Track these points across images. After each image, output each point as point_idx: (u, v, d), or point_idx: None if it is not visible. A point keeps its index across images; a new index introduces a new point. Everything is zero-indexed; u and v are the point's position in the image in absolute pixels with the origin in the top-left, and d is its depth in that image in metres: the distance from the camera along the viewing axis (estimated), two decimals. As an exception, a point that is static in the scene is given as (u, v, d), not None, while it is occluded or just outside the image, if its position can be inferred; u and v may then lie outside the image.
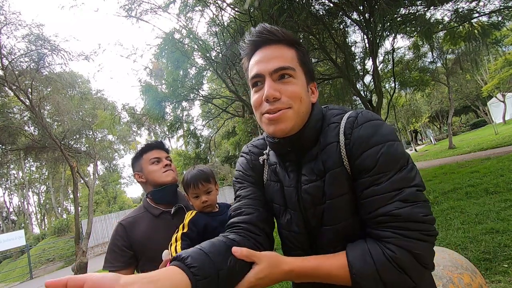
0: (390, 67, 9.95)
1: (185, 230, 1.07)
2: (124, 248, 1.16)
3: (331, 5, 6.99)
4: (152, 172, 1.27)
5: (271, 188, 0.80)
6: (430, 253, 0.59)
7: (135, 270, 1.22)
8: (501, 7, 6.53)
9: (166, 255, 1.04)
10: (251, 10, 5.63)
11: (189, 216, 1.13)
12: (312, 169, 0.71)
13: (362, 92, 9.04)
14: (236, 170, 0.90)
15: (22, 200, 31.83)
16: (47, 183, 31.13)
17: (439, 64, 13.27)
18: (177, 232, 1.07)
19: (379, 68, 8.89)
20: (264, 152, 0.84)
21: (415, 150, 25.93)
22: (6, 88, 8.18)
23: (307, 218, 0.72)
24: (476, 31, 6.68)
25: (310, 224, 0.72)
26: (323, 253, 0.68)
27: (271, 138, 0.73)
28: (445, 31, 7.79)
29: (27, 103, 8.14)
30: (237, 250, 0.62)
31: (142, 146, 1.34)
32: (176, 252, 0.97)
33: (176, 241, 1.04)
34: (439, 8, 6.87)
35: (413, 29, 7.66)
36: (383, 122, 0.67)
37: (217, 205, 1.21)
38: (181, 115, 10.76)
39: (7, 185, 29.81)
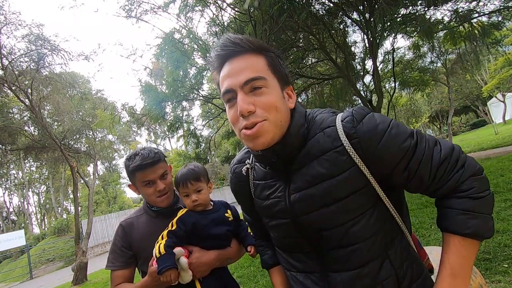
0: (390, 67, 9.95)
1: (173, 228, 1.08)
2: (123, 248, 1.18)
3: (331, 5, 6.99)
4: (146, 195, 1.20)
5: (258, 202, 0.81)
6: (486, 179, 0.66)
7: (135, 269, 1.23)
8: (501, 7, 6.53)
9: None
10: (251, 10, 5.63)
11: (179, 214, 1.14)
12: (303, 176, 0.69)
13: (362, 92, 9.04)
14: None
15: (22, 200, 31.86)
16: (47, 183, 31.14)
17: (439, 64, 13.27)
18: (166, 229, 1.09)
19: (379, 68, 8.89)
20: (247, 162, 0.83)
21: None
22: (6, 88, 8.17)
23: (300, 225, 0.71)
24: (476, 31, 6.68)
25: (306, 230, 0.71)
26: (333, 255, 0.69)
27: (255, 151, 0.72)
28: (445, 31, 7.79)
29: (27, 103, 8.13)
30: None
31: (135, 166, 1.14)
32: (159, 251, 1.00)
33: (162, 238, 1.05)
34: (439, 8, 6.88)
35: (413, 29, 7.66)
36: (372, 111, 0.70)
37: (211, 202, 1.21)
38: (181, 115, 10.74)
39: (7, 185, 29.82)
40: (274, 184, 0.76)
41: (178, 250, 1.04)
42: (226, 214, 1.19)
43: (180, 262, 1.03)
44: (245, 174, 0.82)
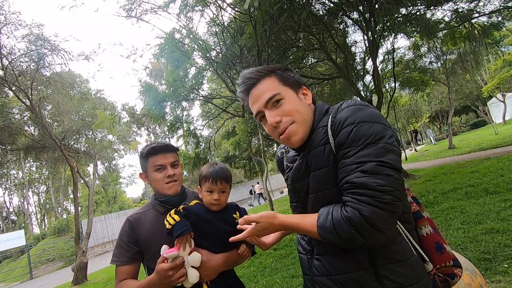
0: (390, 67, 9.95)
1: (178, 208, 1.13)
2: (129, 243, 1.18)
3: (331, 5, 6.99)
4: (155, 181, 1.23)
5: (286, 176, 0.99)
6: (383, 218, 0.66)
7: (140, 265, 1.23)
8: (501, 7, 6.53)
9: (164, 249, 1.05)
10: (251, 10, 5.63)
11: (191, 204, 1.17)
12: (303, 151, 0.86)
13: (362, 92, 9.03)
14: None
15: (22, 200, 31.85)
16: (47, 183, 31.14)
17: (439, 64, 13.28)
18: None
19: (379, 68, 8.89)
20: (281, 146, 1.07)
21: (415, 150, 25.94)
22: (6, 88, 8.17)
23: (297, 190, 0.88)
24: (476, 31, 6.68)
25: (299, 195, 0.88)
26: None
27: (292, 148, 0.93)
28: (445, 31, 7.79)
29: (27, 103, 8.13)
30: (240, 221, 0.84)
31: (149, 148, 1.24)
32: (173, 219, 1.06)
33: (170, 216, 1.10)
34: (439, 8, 6.88)
35: (413, 29, 7.66)
36: (365, 107, 0.76)
37: None
38: (181, 115, 10.75)
39: (7, 185, 29.83)
40: (295, 159, 0.92)
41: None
42: (235, 215, 1.19)
43: (191, 257, 1.03)
44: (280, 156, 1.06)
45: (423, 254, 0.77)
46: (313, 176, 0.81)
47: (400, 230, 0.75)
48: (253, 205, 17.61)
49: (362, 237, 0.67)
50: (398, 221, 0.74)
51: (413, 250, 0.75)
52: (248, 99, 0.89)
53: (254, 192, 19.82)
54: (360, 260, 0.74)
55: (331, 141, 0.76)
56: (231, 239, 0.86)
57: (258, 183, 21.18)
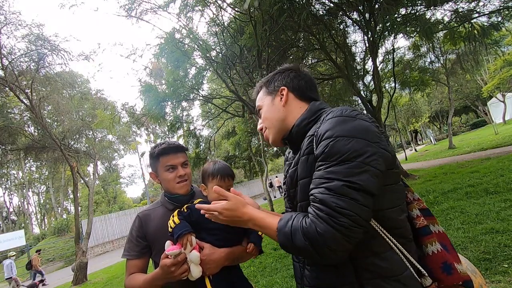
0: (390, 67, 9.95)
1: (182, 209, 1.16)
2: (139, 238, 1.23)
3: (331, 5, 6.99)
4: (166, 180, 1.25)
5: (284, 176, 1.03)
6: (335, 238, 0.65)
7: (149, 259, 1.27)
8: (501, 8, 6.53)
9: (168, 245, 1.07)
10: (251, 10, 5.63)
11: (195, 202, 1.18)
12: (296, 158, 0.86)
13: (362, 92, 9.04)
14: None
15: (22, 200, 31.85)
16: (47, 183, 31.13)
17: (439, 64, 13.28)
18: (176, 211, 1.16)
19: (379, 68, 8.88)
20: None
21: (415, 150, 25.95)
22: (6, 88, 8.17)
23: (291, 197, 0.89)
24: (475, 31, 6.68)
25: (293, 202, 0.88)
26: None
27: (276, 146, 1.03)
28: (445, 31, 7.79)
29: (27, 103, 8.13)
30: (216, 189, 0.87)
31: (160, 149, 1.26)
32: (173, 222, 1.09)
33: (172, 216, 1.13)
34: (439, 8, 6.88)
35: (413, 29, 7.66)
36: (351, 119, 0.71)
37: None
38: (181, 115, 10.75)
39: (7, 185, 29.83)
40: (289, 164, 0.95)
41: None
42: None
43: (191, 255, 1.05)
44: (288, 155, 1.08)
45: (420, 268, 0.72)
46: (300, 184, 0.80)
47: (392, 244, 0.72)
48: (276, 197, 18.77)
49: (314, 250, 0.67)
50: (389, 235, 0.72)
51: (408, 264, 0.71)
52: None
53: (273, 185, 20.89)
54: (346, 274, 0.73)
55: (314, 152, 0.75)
56: (197, 206, 0.91)
57: (276, 176, 23.19)
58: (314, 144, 0.76)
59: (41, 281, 10.57)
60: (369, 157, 0.66)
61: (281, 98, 0.92)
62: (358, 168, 0.65)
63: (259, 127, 0.99)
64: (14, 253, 11.99)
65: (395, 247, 0.71)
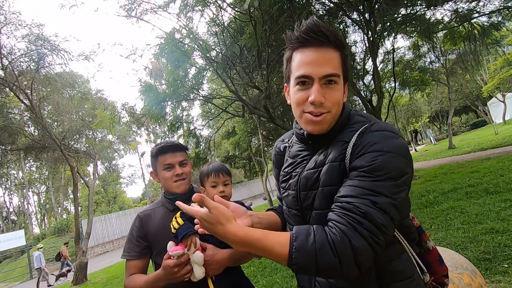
0: (390, 67, 9.94)
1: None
2: (139, 239, 1.23)
3: (331, 5, 6.99)
4: (164, 179, 1.27)
5: (282, 174, 0.91)
6: (368, 255, 0.60)
7: (149, 260, 1.27)
8: (501, 7, 6.53)
9: (170, 246, 1.07)
10: (251, 10, 5.63)
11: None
12: (316, 159, 0.78)
13: (362, 92, 9.03)
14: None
15: (22, 200, 31.87)
16: (47, 183, 31.14)
17: (439, 64, 13.28)
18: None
19: (379, 68, 8.88)
20: (286, 140, 0.98)
21: (415, 150, 25.95)
22: (6, 88, 8.17)
23: (301, 200, 0.79)
24: (476, 31, 6.68)
25: (302, 205, 0.79)
26: None
27: (302, 131, 0.82)
28: (445, 31, 7.79)
29: (27, 103, 8.13)
30: (195, 197, 0.65)
31: (158, 148, 1.28)
32: (177, 223, 1.07)
33: (175, 218, 1.12)
34: (439, 8, 6.88)
35: (413, 29, 7.66)
36: (397, 136, 0.69)
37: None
38: (181, 115, 10.74)
39: (7, 185, 29.83)
40: (300, 162, 0.84)
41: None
42: None
43: (195, 256, 1.05)
44: (282, 150, 0.97)
45: (423, 266, 0.77)
46: (321, 191, 0.73)
47: (406, 247, 0.75)
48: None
49: (342, 268, 0.59)
50: (405, 239, 0.75)
51: (415, 265, 0.76)
52: (298, 49, 0.74)
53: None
54: (369, 280, 0.71)
55: (347, 159, 0.70)
56: (177, 203, 0.73)
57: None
58: (349, 151, 0.70)
59: (68, 271, 11.51)
60: (409, 177, 0.67)
61: (345, 92, 0.79)
62: (400, 188, 0.65)
63: (321, 99, 0.70)
64: (42, 245, 13.01)
65: (408, 250, 0.75)
